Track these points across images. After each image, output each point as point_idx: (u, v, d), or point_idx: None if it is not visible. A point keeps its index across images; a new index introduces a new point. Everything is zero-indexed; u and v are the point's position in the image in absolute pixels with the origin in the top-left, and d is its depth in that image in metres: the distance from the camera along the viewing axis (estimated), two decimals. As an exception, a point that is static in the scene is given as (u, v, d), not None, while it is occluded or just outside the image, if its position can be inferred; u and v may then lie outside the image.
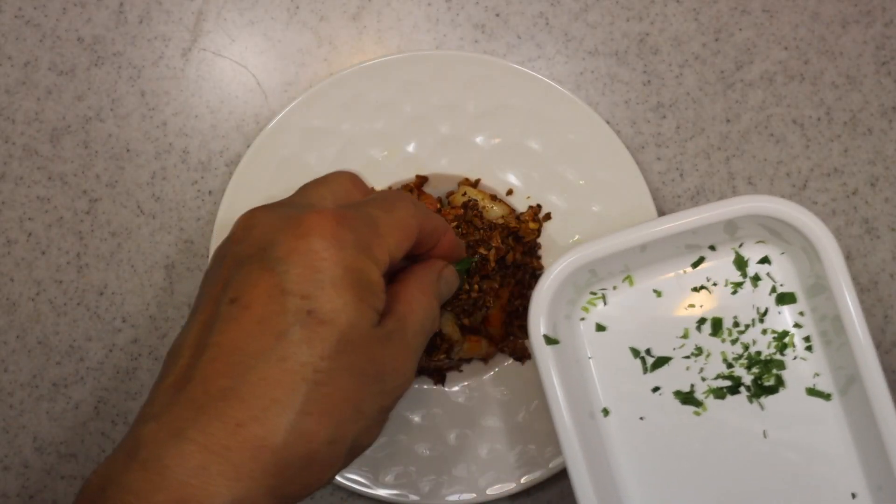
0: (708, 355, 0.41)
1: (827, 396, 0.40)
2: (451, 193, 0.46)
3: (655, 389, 0.41)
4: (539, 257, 0.46)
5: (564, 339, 0.40)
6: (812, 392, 0.40)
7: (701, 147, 0.48)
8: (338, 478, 0.44)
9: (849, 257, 0.47)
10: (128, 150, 0.48)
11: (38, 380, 0.47)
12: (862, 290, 0.47)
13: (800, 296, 0.40)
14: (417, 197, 0.45)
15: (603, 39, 0.48)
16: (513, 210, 0.46)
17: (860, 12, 0.48)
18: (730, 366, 0.40)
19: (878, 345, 0.47)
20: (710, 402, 0.40)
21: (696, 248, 0.41)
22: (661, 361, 0.41)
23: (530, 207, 0.46)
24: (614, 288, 0.41)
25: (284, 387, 0.28)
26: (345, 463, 0.31)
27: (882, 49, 0.48)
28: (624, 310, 0.41)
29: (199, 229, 0.48)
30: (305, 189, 0.35)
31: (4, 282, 0.47)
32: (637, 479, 0.40)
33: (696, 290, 0.41)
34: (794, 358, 0.40)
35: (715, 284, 0.41)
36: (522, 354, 0.45)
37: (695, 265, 0.41)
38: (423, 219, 0.34)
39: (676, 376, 0.40)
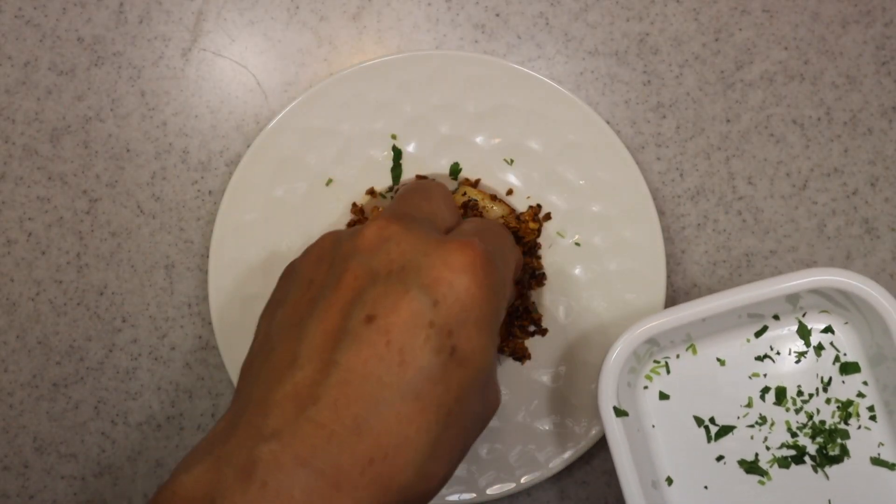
0: (772, 424, 0.41)
1: (892, 466, 0.40)
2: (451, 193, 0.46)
3: (719, 458, 0.41)
4: (539, 257, 0.46)
5: (628, 408, 0.40)
6: (877, 462, 0.40)
7: (701, 147, 0.48)
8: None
9: (849, 257, 0.47)
10: (128, 150, 0.48)
11: (37, 380, 0.47)
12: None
13: (863, 365, 0.41)
14: None
15: (603, 39, 0.48)
16: (513, 210, 0.46)
17: (860, 12, 0.48)
18: (794, 435, 0.40)
19: (878, 345, 0.47)
20: (775, 471, 0.40)
21: (760, 318, 0.41)
22: (725, 430, 0.41)
23: (530, 207, 0.46)
24: (677, 357, 0.41)
25: (418, 426, 0.27)
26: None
27: (882, 49, 0.48)
28: (687, 378, 0.41)
29: (199, 229, 0.48)
30: (414, 200, 0.33)
31: (4, 282, 0.47)
32: None
33: (759, 358, 0.41)
34: (859, 427, 0.40)
35: (779, 353, 0.41)
36: (522, 354, 0.45)
37: (758, 334, 0.41)
38: (520, 255, 0.35)
39: (741, 445, 0.41)
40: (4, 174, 0.48)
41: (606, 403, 0.39)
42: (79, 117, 0.48)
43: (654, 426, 0.41)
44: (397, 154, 0.46)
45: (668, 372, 0.41)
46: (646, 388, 0.41)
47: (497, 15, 0.49)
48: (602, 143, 0.45)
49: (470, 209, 0.44)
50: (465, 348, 0.28)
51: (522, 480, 0.44)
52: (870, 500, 0.40)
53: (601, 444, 0.46)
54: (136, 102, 0.48)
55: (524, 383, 0.45)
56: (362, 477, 0.26)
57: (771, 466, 0.40)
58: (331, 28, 0.49)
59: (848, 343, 0.41)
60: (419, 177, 0.46)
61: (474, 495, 0.44)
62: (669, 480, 0.41)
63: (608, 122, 0.47)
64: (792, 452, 0.40)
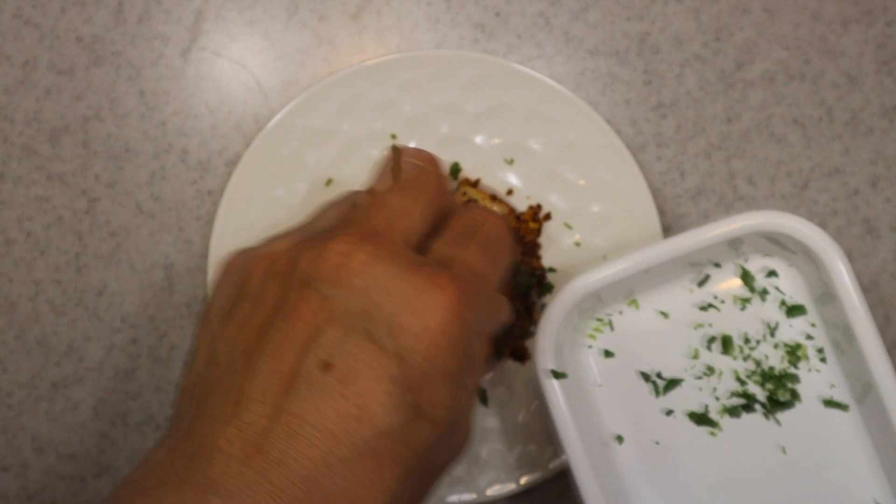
0: (720, 374, 0.40)
1: (844, 407, 0.39)
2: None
3: (669, 413, 0.40)
4: (539, 257, 0.46)
5: (571, 368, 0.39)
6: (829, 403, 0.39)
7: (701, 147, 0.48)
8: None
9: (850, 257, 0.47)
10: (127, 150, 0.48)
11: (36, 380, 0.47)
12: (863, 290, 0.47)
13: (810, 307, 0.40)
14: None
15: (603, 39, 0.48)
16: (513, 210, 0.46)
17: (861, 12, 0.48)
18: (743, 383, 0.40)
19: (879, 345, 0.47)
20: (726, 421, 0.40)
21: (701, 266, 0.41)
22: (673, 384, 0.40)
23: (530, 207, 0.46)
24: (620, 313, 0.41)
25: (373, 485, 0.25)
26: None
27: (883, 49, 0.48)
28: (631, 334, 0.41)
29: (199, 229, 0.48)
30: (396, 204, 0.29)
31: (3, 282, 0.47)
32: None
33: (703, 308, 0.41)
34: (809, 370, 0.40)
35: (723, 302, 0.41)
36: (522, 354, 0.45)
37: (701, 284, 0.41)
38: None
39: (689, 398, 0.40)
40: (3, 174, 0.48)
41: (543, 366, 0.38)
42: (78, 117, 0.48)
43: (600, 385, 0.40)
44: (398, 154, 0.46)
45: (612, 329, 0.41)
46: (590, 346, 0.41)
47: (497, 15, 0.49)
48: (602, 143, 0.45)
49: (470, 209, 0.44)
50: (429, 404, 0.25)
51: (522, 481, 0.44)
52: (823, 442, 0.39)
53: (601, 445, 0.46)
54: (135, 102, 0.48)
55: (524, 383, 0.45)
56: None
57: (721, 417, 0.40)
58: (330, 28, 0.49)
59: (793, 286, 0.40)
60: (395, 149, 0.42)
61: (474, 495, 0.44)
62: (619, 439, 0.40)
63: (608, 122, 0.46)
64: (742, 401, 0.40)
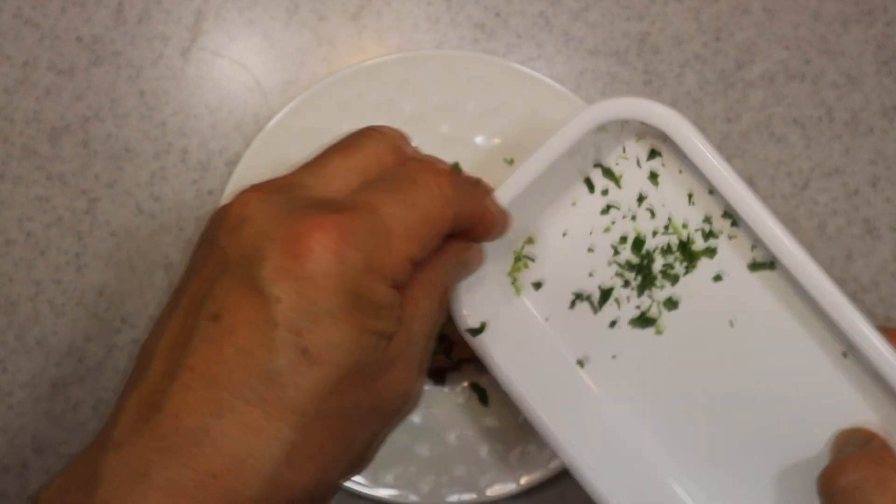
0: (643, 270, 0.39)
1: (771, 265, 0.37)
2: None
3: (612, 324, 0.39)
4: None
5: (508, 312, 0.38)
6: (754, 266, 0.37)
7: (701, 147, 0.48)
8: (337, 478, 0.44)
9: (849, 257, 0.47)
10: (127, 150, 0.48)
11: (36, 380, 0.47)
12: (863, 290, 0.47)
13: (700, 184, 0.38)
14: None
15: (603, 39, 0.48)
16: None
17: (861, 12, 0.48)
18: (666, 273, 0.38)
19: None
20: (666, 316, 0.38)
21: (581, 175, 0.39)
22: (605, 295, 0.39)
23: (530, 207, 0.46)
24: (530, 242, 0.39)
25: (266, 434, 0.24)
26: (331, 497, 0.27)
27: (883, 48, 0.48)
28: (549, 261, 0.39)
29: (199, 229, 0.47)
30: (325, 162, 0.29)
31: (3, 282, 0.47)
32: (636, 418, 0.38)
33: (603, 212, 0.39)
34: (730, 238, 0.38)
35: (618, 198, 0.39)
36: (522, 355, 0.45)
37: (591, 190, 0.39)
38: (459, 205, 0.29)
39: (624, 304, 0.39)
40: (3, 174, 0.48)
41: (462, 326, 0.37)
42: (78, 117, 0.48)
43: (546, 319, 0.39)
44: None
45: (533, 260, 0.40)
46: (518, 292, 0.40)
47: (497, 14, 0.48)
48: (602, 143, 0.45)
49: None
50: (319, 345, 0.25)
51: (522, 481, 0.44)
52: (763, 304, 0.37)
53: (601, 445, 0.46)
54: (135, 102, 0.48)
55: (524, 383, 0.45)
56: (202, 492, 0.24)
57: (660, 314, 0.39)
58: (330, 28, 0.49)
59: (680, 160, 0.38)
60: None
61: (474, 496, 0.44)
62: (581, 363, 0.39)
63: (608, 122, 0.46)
64: (673, 290, 0.38)
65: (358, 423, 0.27)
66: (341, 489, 0.45)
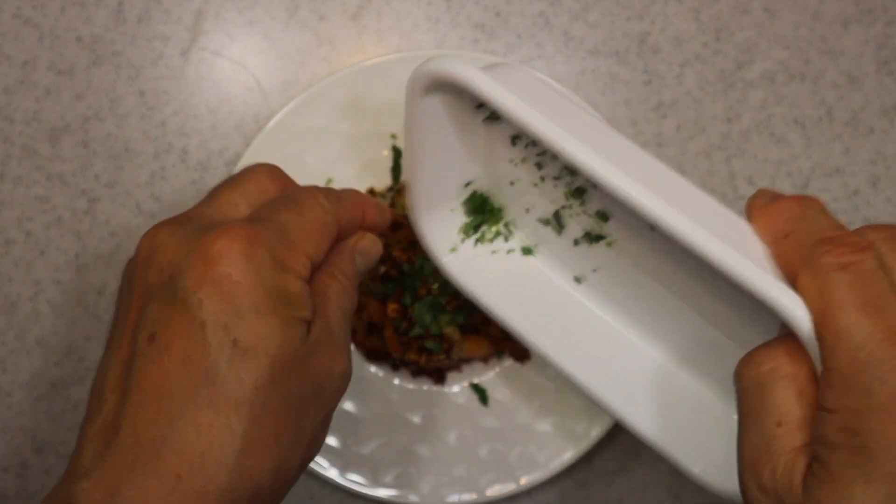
0: (580, 191, 0.37)
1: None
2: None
3: (576, 243, 0.39)
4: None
5: (510, 267, 0.38)
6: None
7: (702, 147, 0.48)
8: (337, 479, 0.44)
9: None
10: (127, 150, 0.48)
11: (36, 380, 0.47)
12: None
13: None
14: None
15: (603, 39, 0.48)
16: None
17: (861, 12, 0.48)
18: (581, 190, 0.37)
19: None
20: (610, 224, 0.37)
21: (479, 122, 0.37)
22: (556, 217, 0.38)
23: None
24: (499, 226, 0.40)
25: (219, 429, 0.26)
26: (295, 479, 0.30)
27: (883, 48, 0.48)
28: (509, 201, 0.39)
29: (199, 229, 0.48)
30: (216, 195, 0.32)
31: (3, 282, 0.47)
32: (632, 330, 0.38)
33: (513, 143, 0.37)
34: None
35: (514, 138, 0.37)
36: (523, 355, 0.45)
37: (487, 119, 0.37)
38: (339, 211, 0.32)
39: (572, 222, 0.38)
40: (3, 174, 0.48)
41: (433, 253, 0.36)
42: (78, 117, 0.48)
43: (536, 249, 0.39)
44: (397, 154, 0.46)
45: (509, 231, 0.40)
46: (495, 251, 0.40)
47: (497, 14, 0.48)
48: (602, 143, 0.45)
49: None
50: (248, 336, 0.27)
51: (522, 481, 0.44)
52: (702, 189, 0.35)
53: (601, 445, 0.46)
54: (135, 102, 0.48)
55: (524, 383, 0.45)
56: (172, 496, 0.26)
57: (600, 224, 0.37)
58: (330, 27, 0.49)
59: None
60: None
61: (474, 496, 0.44)
62: (578, 280, 0.39)
63: (608, 122, 0.46)
64: (600, 205, 0.37)
65: (304, 407, 0.29)
66: (341, 489, 0.45)
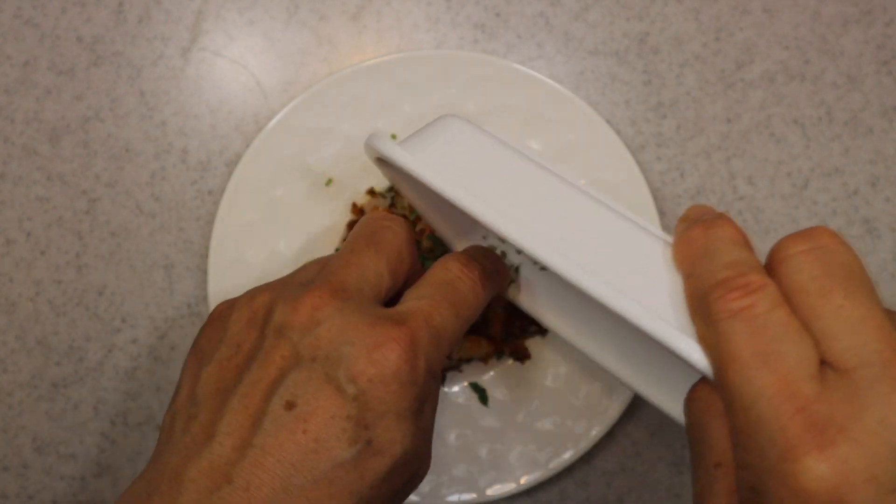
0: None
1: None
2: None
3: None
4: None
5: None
6: None
7: (701, 147, 0.48)
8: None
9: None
10: (127, 150, 0.48)
11: (37, 380, 0.47)
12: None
13: None
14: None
15: (603, 39, 0.48)
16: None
17: (861, 12, 0.48)
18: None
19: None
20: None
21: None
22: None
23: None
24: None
25: None
26: None
27: (883, 49, 0.48)
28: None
29: (199, 229, 0.48)
30: (358, 255, 0.32)
31: (3, 282, 0.47)
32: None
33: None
34: None
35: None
36: (522, 354, 0.45)
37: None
38: (489, 293, 0.33)
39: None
40: (4, 174, 0.48)
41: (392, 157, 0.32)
42: (78, 117, 0.48)
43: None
44: None
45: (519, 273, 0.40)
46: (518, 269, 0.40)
47: (497, 15, 0.49)
48: (602, 143, 0.45)
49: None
50: (382, 439, 0.28)
51: (522, 481, 0.44)
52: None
53: (601, 445, 0.46)
54: (135, 102, 0.48)
55: (524, 383, 0.45)
56: None
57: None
58: (330, 28, 0.49)
59: None
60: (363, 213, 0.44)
61: (474, 495, 0.44)
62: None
63: (608, 122, 0.46)
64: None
65: (396, 499, 0.30)
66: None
